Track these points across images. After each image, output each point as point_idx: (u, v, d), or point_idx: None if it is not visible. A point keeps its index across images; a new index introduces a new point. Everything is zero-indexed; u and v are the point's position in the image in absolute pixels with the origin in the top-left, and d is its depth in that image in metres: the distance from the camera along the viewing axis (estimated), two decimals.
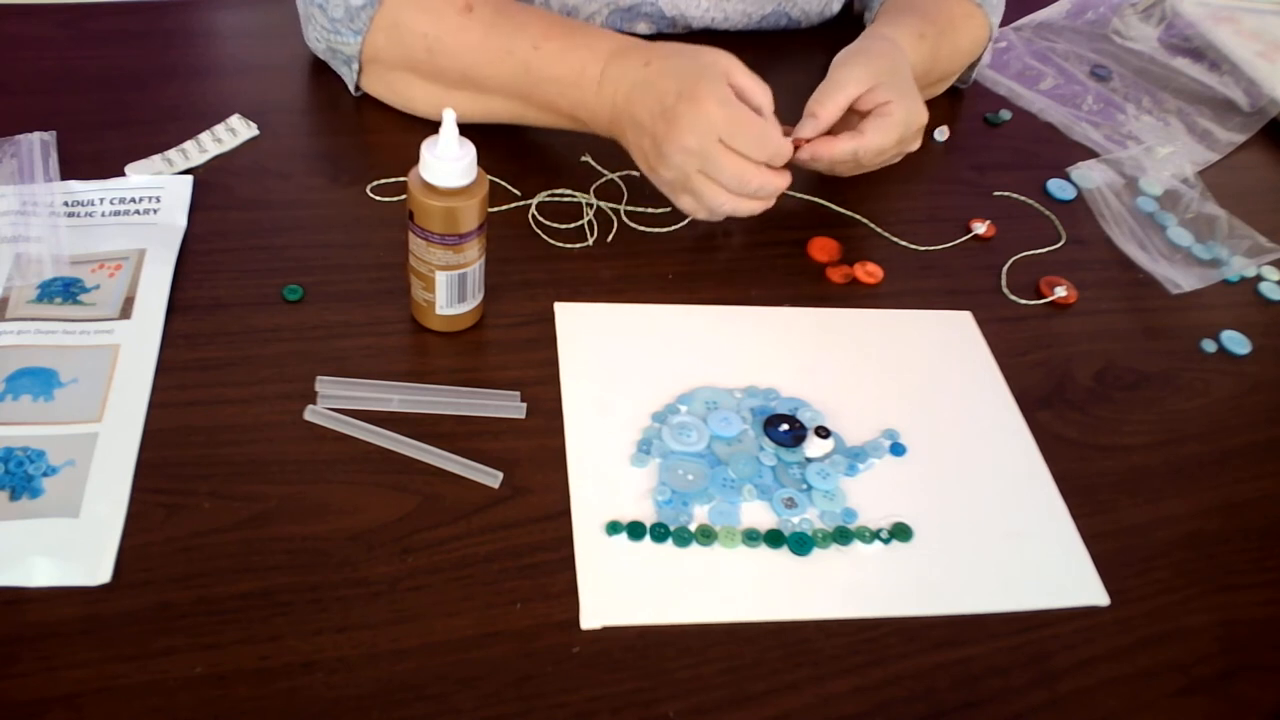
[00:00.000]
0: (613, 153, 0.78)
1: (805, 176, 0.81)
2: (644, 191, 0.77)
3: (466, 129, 0.58)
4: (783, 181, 0.70)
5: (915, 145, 0.78)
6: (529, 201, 0.75)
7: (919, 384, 0.67)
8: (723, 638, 0.52)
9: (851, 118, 0.74)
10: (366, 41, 0.76)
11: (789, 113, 0.77)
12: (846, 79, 0.73)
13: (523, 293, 0.68)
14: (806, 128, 0.73)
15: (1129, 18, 1.08)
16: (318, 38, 0.81)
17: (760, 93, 0.69)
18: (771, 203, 0.71)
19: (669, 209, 0.76)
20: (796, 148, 0.72)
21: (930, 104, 0.83)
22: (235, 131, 0.77)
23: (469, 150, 0.58)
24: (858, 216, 0.79)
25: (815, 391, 0.65)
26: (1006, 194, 0.84)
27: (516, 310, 0.67)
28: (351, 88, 0.81)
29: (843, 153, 0.73)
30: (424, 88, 0.78)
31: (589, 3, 0.88)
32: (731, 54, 0.69)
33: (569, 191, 0.76)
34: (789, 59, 0.96)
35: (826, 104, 0.73)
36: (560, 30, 0.73)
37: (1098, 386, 0.69)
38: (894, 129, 0.73)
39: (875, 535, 0.57)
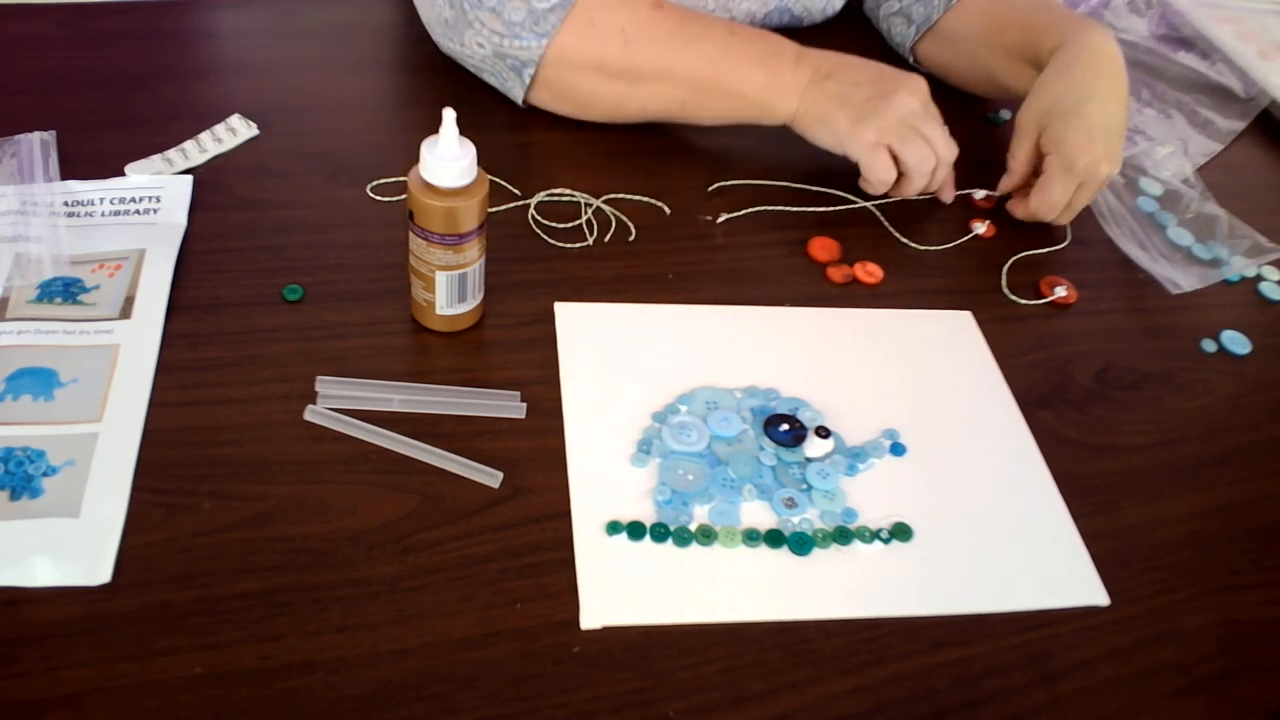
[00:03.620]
0: (612, 152, 0.78)
1: (806, 173, 0.81)
2: (641, 190, 0.77)
3: (466, 129, 0.58)
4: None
5: (1108, 172, 0.76)
6: (528, 201, 0.75)
7: (919, 384, 0.67)
8: (723, 638, 0.52)
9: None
10: (554, 43, 0.75)
11: None
12: (1021, 126, 0.79)
13: (523, 293, 0.68)
14: (1004, 180, 0.81)
15: (1119, 9, 1.08)
16: (481, 43, 0.77)
17: None
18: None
19: (667, 208, 0.76)
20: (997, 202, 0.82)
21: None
22: (235, 131, 0.77)
23: (469, 150, 0.58)
24: (863, 202, 0.79)
25: (815, 391, 0.65)
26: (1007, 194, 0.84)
27: (516, 310, 0.67)
28: (519, 99, 0.80)
29: (1025, 216, 0.80)
30: (609, 85, 0.77)
31: None
32: None
33: (568, 191, 0.76)
34: None
35: (1017, 153, 0.80)
36: (747, 25, 0.79)
37: (1098, 386, 0.69)
38: (1054, 187, 0.76)
39: (875, 535, 0.57)
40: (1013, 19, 0.84)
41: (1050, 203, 0.77)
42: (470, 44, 0.78)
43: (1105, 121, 0.75)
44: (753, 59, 0.76)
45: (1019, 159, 0.79)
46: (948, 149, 0.77)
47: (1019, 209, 0.80)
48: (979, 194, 0.82)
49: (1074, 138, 0.74)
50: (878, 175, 0.75)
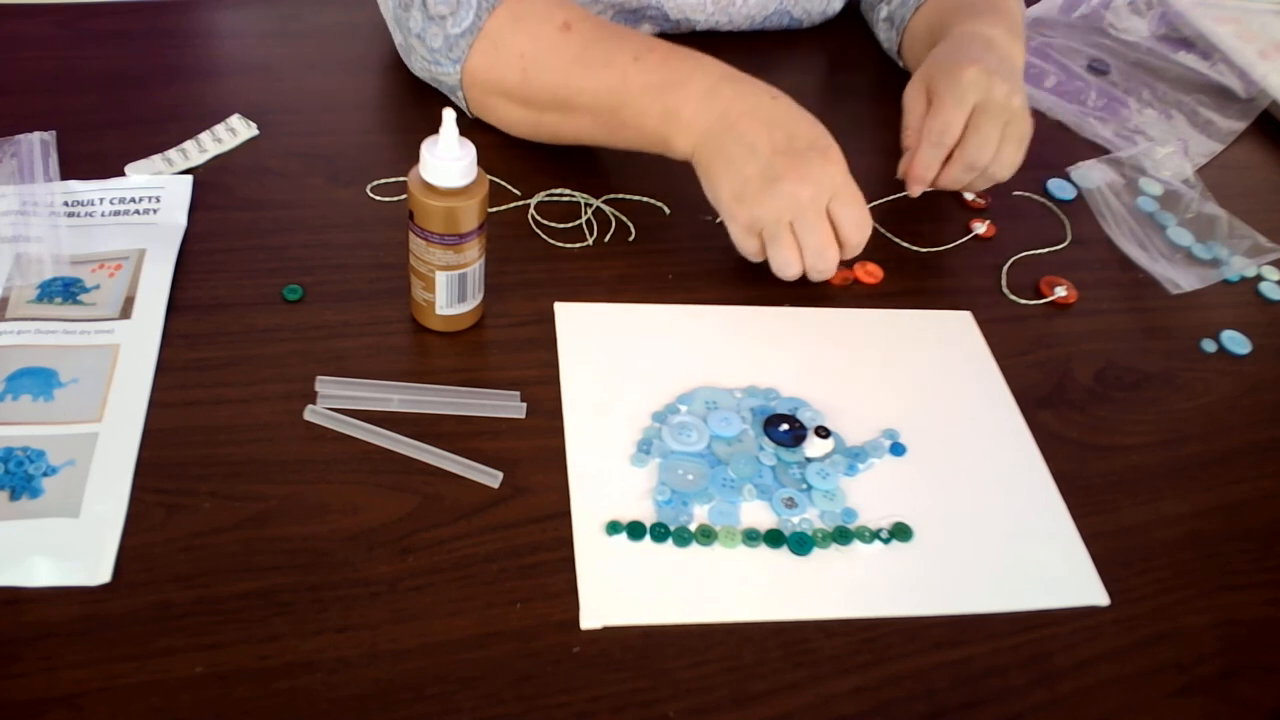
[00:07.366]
0: (612, 152, 0.78)
1: None
2: (641, 190, 0.77)
3: (465, 129, 0.58)
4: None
5: (1006, 91, 0.71)
6: (528, 201, 0.75)
7: (919, 384, 0.67)
8: (723, 638, 0.52)
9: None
10: (466, 67, 0.75)
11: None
12: (907, 101, 0.76)
13: (523, 293, 0.68)
14: (903, 162, 0.76)
15: (1120, 10, 1.08)
16: (421, 69, 0.80)
17: None
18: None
19: (667, 208, 0.76)
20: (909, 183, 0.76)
21: None
22: (235, 131, 0.77)
23: (469, 150, 0.58)
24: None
25: (815, 391, 0.65)
26: (1006, 194, 0.84)
27: (516, 310, 0.67)
28: (467, 113, 0.80)
29: (927, 162, 0.73)
30: (519, 111, 0.77)
31: (593, 4, 0.88)
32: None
33: (568, 191, 0.76)
34: (791, 58, 0.96)
35: (907, 132, 0.76)
36: (665, 46, 0.72)
37: (1098, 386, 0.69)
38: (945, 107, 0.71)
39: (875, 535, 0.57)
40: (942, 22, 0.84)
41: (944, 121, 0.71)
42: (417, 68, 0.81)
43: (989, 59, 0.73)
44: (653, 89, 0.69)
45: (913, 128, 0.75)
46: (818, 254, 0.67)
47: (918, 163, 0.73)
48: (968, 194, 0.82)
49: (956, 66, 0.72)
50: (748, 255, 0.69)
